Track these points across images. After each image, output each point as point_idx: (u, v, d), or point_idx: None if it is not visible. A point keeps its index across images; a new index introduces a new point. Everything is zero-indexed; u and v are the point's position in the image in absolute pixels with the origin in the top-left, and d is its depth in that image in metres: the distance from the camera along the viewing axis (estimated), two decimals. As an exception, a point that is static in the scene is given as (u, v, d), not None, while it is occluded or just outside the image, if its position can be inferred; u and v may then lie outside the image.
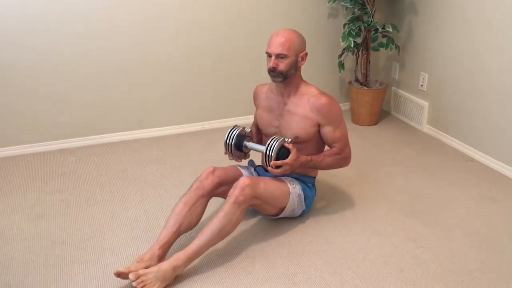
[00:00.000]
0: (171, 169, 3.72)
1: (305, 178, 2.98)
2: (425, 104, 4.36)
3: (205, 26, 4.23)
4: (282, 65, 2.73)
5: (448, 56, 4.04)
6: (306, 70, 3.12)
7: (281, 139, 2.73)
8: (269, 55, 2.76)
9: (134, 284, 2.32)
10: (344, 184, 3.48)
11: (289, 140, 2.75)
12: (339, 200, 3.28)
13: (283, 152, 2.71)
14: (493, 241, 2.84)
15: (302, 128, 2.83)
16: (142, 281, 2.34)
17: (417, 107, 4.46)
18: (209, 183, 2.76)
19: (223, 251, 2.74)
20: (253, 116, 3.17)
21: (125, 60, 4.07)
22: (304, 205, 2.97)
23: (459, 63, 3.93)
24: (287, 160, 2.68)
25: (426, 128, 4.40)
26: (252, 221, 3.03)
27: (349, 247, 2.78)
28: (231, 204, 2.57)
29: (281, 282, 2.51)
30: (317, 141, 2.91)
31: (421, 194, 3.35)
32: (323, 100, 2.79)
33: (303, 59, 2.81)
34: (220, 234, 2.56)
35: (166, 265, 2.43)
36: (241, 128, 2.89)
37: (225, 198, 2.73)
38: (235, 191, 2.59)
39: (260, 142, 3.12)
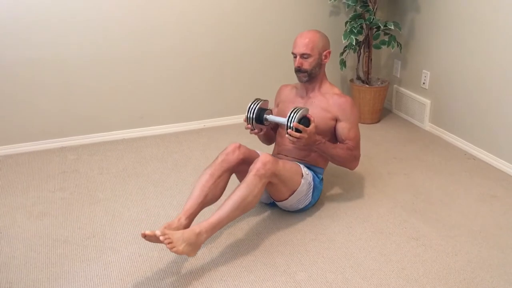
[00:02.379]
0: (172, 167, 3.72)
1: (316, 168, 3.06)
2: (427, 102, 4.36)
3: (208, 24, 4.24)
4: (306, 64, 2.95)
5: (450, 54, 4.04)
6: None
7: (305, 109, 2.81)
8: (295, 56, 2.98)
9: (161, 238, 2.32)
10: (345, 182, 3.49)
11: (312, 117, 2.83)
12: (341, 198, 3.29)
13: (304, 121, 2.77)
14: (495, 239, 2.85)
15: (321, 118, 2.96)
16: (168, 238, 2.34)
17: (419, 105, 4.46)
18: (235, 157, 2.82)
19: (225, 249, 2.75)
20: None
21: (126, 58, 4.08)
22: (310, 197, 3.01)
23: (461, 60, 3.93)
24: (307, 128, 2.74)
25: (428, 126, 4.40)
26: (254, 219, 3.04)
27: (350, 246, 2.79)
28: (252, 176, 2.62)
29: (283, 281, 2.51)
30: (331, 138, 3.02)
31: (423, 192, 3.36)
32: (346, 98, 3.03)
33: (327, 57, 3.02)
34: (242, 205, 2.58)
35: (189, 230, 2.45)
36: (262, 101, 2.94)
37: (241, 178, 2.84)
38: (256, 165, 2.66)
39: (273, 141, 3.26)
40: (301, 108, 2.79)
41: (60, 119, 4.04)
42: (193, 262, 2.63)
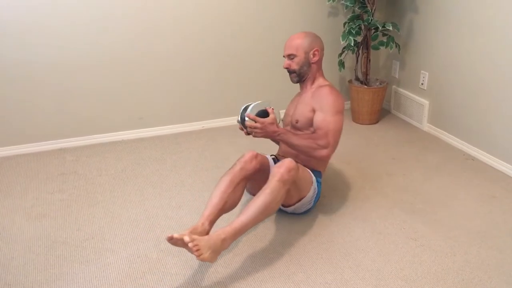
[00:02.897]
0: (171, 168, 3.73)
1: (316, 172, 3.05)
2: (426, 102, 4.37)
3: (207, 25, 4.24)
4: (293, 64, 3.01)
5: (448, 54, 4.05)
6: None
7: (265, 102, 2.88)
8: (284, 57, 3.05)
9: (190, 245, 2.30)
10: (344, 183, 3.50)
11: (272, 108, 2.87)
12: (339, 199, 3.29)
13: (262, 114, 2.82)
14: (494, 240, 2.85)
15: (301, 112, 3.01)
16: (197, 244, 2.32)
17: (418, 105, 4.47)
18: (252, 166, 2.80)
19: (224, 252, 2.73)
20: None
21: (125, 59, 4.08)
22: (313, 202, 3.03)
23: (459, 61, 3.94)
24: (260, 119, 2.78)
25: (426, 126, 4.41)
26: (253, 220, 3.04)
27: (349, 246, 2.80)
28: (276, 181, 2.60)
29: (281, 281, 2.52)
30: (313, 131, 2.98)
31: (422, 193, 3.36)
32: (324, 88, 3.00)
33: (315, 55, 3.03)
34: (265, 211, 2.56)
35: (215, 236, 2.42)
36: (254, 103, 2.88)
37: (252, 186, 2.95)
38: (281, 170, 2.63)
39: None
40: (260, 102, 2.84)
41: (59, 121, 4.04)
42: (190, 264, 2.63)
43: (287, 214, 3.07)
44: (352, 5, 4.28)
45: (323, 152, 2.86)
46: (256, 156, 2.83)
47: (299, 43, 2.98)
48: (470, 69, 3.83)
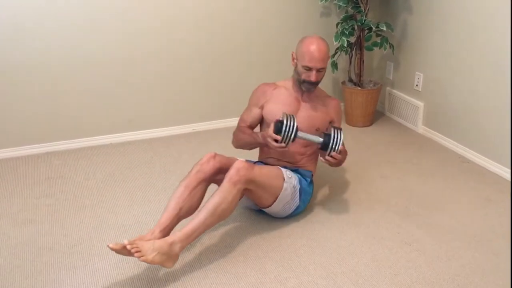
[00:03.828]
0: (160, 172, 3.72)
1: (303, 171, 3.07)
2: (420, 104, 4.38)
3: (196, 27, 4.24)
4: (320, 76, 2.99)
5: (443, 55, 4.06)
6: (298, 70, 3.14)
7: (340, 129, 2.88)
8: (308, 69, 2.93)
9: (128, 247, 2.33)
10: (337, 186, 3.50)
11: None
12: (333, 203, 3.30)
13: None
14: (489, 244, 2.87)
15: (322, 121, 3.07)
16: (136, 246, 2.35)
17: (412, 107, 4.49)
18: (210, 167, 2.81)
19: (214, 256, 2.75)
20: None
21: (113, 61, 4.07)
22: (298, 201, 3.01)
23: (455, 62, 3.95)
24: (342, 148, 2.86)
25: (421, 129, 4.43)
26: (244, 225, 3.05)
27: (342, 251, 2.80)
28: (226, 182, 2.64)
29: (273, 287, 2.52)
30: None
31: (417, 196, 3.37)
32: (337, 100, 3.22)
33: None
34: (216, 212, 2.59)
35: (161, 240, 2.46)
36: (294, 117, 2.84)
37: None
38: (230, 172, 2.67)
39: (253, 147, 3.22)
40: (340, 129, 2.86)
41: (45, 124, 4.03)
42: (181, 270, 2.63)
43: (278, 218, 3.07)
44: (345, 5, 4.29)
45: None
46: (214, 156, 2.85)
47: (327, 54, 2.94)
48: (466, 70, 3.85)
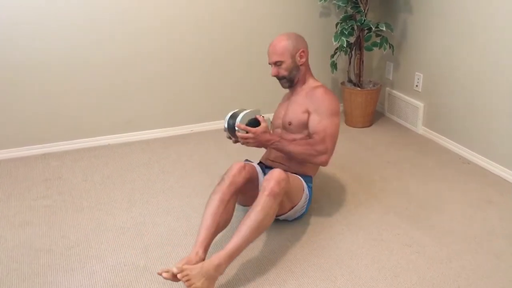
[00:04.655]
0: (158, 173, 3.72)
1: (305, 177, 3.04)
2: (420, 105, 4.38)
3: (194, 27, 4.24)
4: (282, 71, 2.98)
5: (443, 55, 4.06)
6: (297, 71, 3.14)
7: (255, 110, 2.86)
8: (271, 65, 3.01)
9: (179, 276, 2.31)
10: (337, 188, 3.50)
11: (263, 116, 2.86)
12: (332, 205, 3.30)
13: (253, 122, 2.81)
14: (490, 246, 2.86)
15: (294, 113, 2.99)
16: (187, 275, 2.33)
17: (412, 108, 4.49)
18: (241, 178, 2.75)
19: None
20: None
21: (111, 61, 4.08)
22: (305, 207, 3.03)
23: (455, 62, 3.95)
24: (252, 128, 2.76)
25: (421, 129, 4.43)
26: (243, 226, 3.04)
27: (342, 253, 2.80)
28: (266, 196, 2.57)
29: (273, 290, 2.53)
30: (307, 134, 2.99)
31: (417, 198, 3.37)
32: (318, 89, 3.01)
33: (302, 56, 3.01)
34: (259, 229, 2.55)
35: (208, 263, 2.42)
36: (236, 110, 2.88)
37: (243, 197, 2.89)
38: (270, 184, 2.60)
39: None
40: (250, 110, 2.83)
41: (43, 125, 4.03)
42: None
43: (278, 220, 3.07)
44: (344, 5, 4.29)
45: (322, 158, 2.88)
46: (244, 167, 2.78)
47: (284, 47, 2.95)
48: (466, 71, 3.85)
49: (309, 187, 3.04)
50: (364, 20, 4.25)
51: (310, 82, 3.08)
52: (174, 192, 3.45)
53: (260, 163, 3.12)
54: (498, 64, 3.56)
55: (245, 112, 2.80)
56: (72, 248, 2.85)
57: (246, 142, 2.79)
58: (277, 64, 2.97)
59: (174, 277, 2.34)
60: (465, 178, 3.65)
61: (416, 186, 3.53)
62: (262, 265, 2.70)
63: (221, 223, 2.66)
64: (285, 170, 2.84)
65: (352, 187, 3.51)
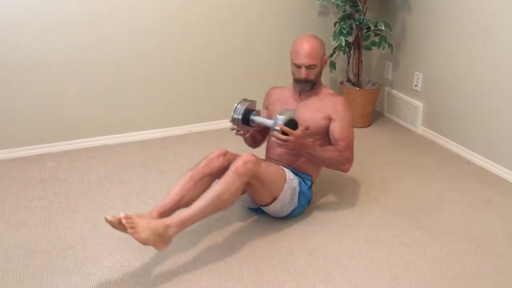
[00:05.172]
0: (156, 174, 3.72)
1: (304, 175, 3.07)
2: (420, 104, 4.38)
3: (192, 26, 4.24)
4: (312, 75, 2.98)
5: (443, 55, 4.06)
6: (295, 70, 3.14)
7: (292, 111, 2.84)
8: (298, 66, 2.96)
9: (123, 221, 2.35)
10: (336, 188, 3.50)
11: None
12: (331, 205, 3.30)
13: (291, 124, 2.78)
14: (490, 246, 2.86)
15: (313, 119, 3.00)
16: (132, 222, 2.37)
17: (411, 108, 4.48)
18: (218, 163, 2.85)
19: (210, 258, 2.74)
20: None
21: (108, 61, 4.07)
22: (296, 202, 3.01)
23: (454, 62, 3.95)
24: (294, 131, 2.76)
25: (420, 129, 4.42)
26: (240, 226, 3.04)
27: (341, 254, 2.80)
28: (231, 173, 2.65)
29: (271, 291, 2.52)
30: (324, 139, 3.05)
31: (416, 198, 3.37)
32: (339, 97, 3.12)
33: (325, 63, 3.08)
34: (217, 201, 2.60)
35: (159, 221, 2.48)
36: (249, 102, 2.94)
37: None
38: (237, 163, 2.68)
39: (259, 144, 3.28)
40: (288, 110, 2.82)
41: (39, 125, 4.02)
42: (176, 272, 2.62)
43: (276, 219, 3.07)
44: (343, 4, 4.29)
45: (348, 165, 3.04)
46: (225, 154, 2.88)
47: (317, 51, 2.95)
48: (466, 70, 3.85)
49: (307, 185, 3.05)
50: (363, 19, 4.25)
51: (322, 88, 3.13)
52: (171, 192, 3.44)
53: None
54: (498, 63, 3.56)
55: (286, 111, 2.80)
56: (68, 249, 2.85)
57: (284, 144, 2.79)
58: (310, 67, 2.94)
59: (120, 224, 2.37)
60: (465, 178, 3.65)
61: (415, 186, 3.53)
62: (260, 266, 2.70)
63: (186, 198, 2.73)
64: (286, 167, 2.98)
65: (351, 187, 3.51)
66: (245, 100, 2.94)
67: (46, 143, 4.07)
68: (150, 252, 2.78)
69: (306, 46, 2.93)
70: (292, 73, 3.03)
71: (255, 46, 4.48)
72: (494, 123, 3.66)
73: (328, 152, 2.96)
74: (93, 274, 2.63)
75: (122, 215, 2.37)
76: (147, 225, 2.41)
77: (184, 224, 2.54)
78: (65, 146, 4.12)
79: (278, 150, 3.04)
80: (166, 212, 2.66)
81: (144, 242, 2.40)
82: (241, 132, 2.98)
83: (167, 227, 2.47)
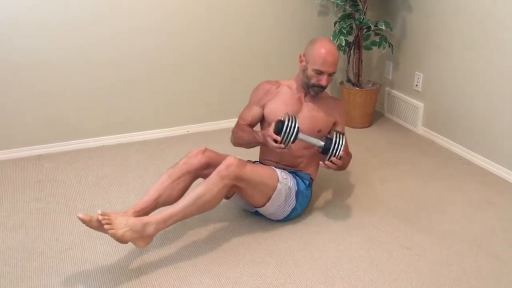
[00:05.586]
0: (154, 175, 3.70)
1: (302, 174, 3.07)
2: (420, 105, 4.38)
3: (190, 26, 4.23)
4: (330, 81, 2.99)
5: (444, 54, 4.06)
6: (295, 69, 3.13)
7: (294, 116, 2.81)
8: (319, 73, 2.92)
9: (99, 217, 2.37)
10: (336, 189, 3.50)
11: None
12: (331, 206, 3.29)
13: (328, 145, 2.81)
14: (491, 247, 2.86)
15: (325, 122, 3.07)
16: (109, 219, 2.39)
17: (412, 108, 4.48)
18: (196, 161, 2.87)
19: (209, 260, 2.74)
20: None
21: (105, 62, 4.06)
22: (294, 202, 3.00)
23: (455, 62, 3.95)
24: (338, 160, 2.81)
25: (421, 130, 4.42)
26: (239, 228, 3.04)
27: (341, 256, 2.79)
28: (213, 175, 2.68)
29: (270, 293, 2.52)
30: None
31: (417, 199, 3.37)
32: (340, 101, 3.26)
33: None
34: (198, 202, 2.62)
35: (137, 218, 2.51)
36: (296, 118, 2.82)
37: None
38: (220, 166, 2.70)
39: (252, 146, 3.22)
40: (343, 134, 2.84)
41: (37, 126, 4.01)
42: (175, 275, 2.62)
43: (275, 221, 3.07)
44: (343, 3, 4.28)
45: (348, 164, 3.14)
46: (204, 151, 2.90)
47: (338, 58, 2.96)
48: (467, 70, 3.84)
49: (305, 184, 3.05)
50: (363, 19, 4.25)
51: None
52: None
53: (259, 163, 3.15)
54: (498, 64, 3.56)
55: (343, 137, 2.82)
56: (66, 251, 2.84)
57: (334, 167, 2.83)
58: (331, 74, 2.94)
59: (95, 222, 2.41)
60: (465, 178, 3.65)
61: (415, 187, 3.52)
62: (259, 268, 2.69)
63: (163, 196, 2.75)
64: (277, 167, 3.00)
65: (351, 189, 3.50)
66: (292, 116, 2.80)
67: (44, 144, 4.06)
68: (148, 255, 2.78)
69: (332, 54, 2.91)
70: (308, 77, 2.96)
71: (254, 46, 4.47)
72: (494, 123, 3.66)
73: (348, 157, 3.04)
74: (91, 276, 2.63)
75: (99, 211, 2.38)
76: (125, 222, 2.43)
77: (163, 222, 2.55)
78: (62, 147, 4.11)
79: (278, 154, 3.02)
80: (143, 211, 2.67)
81: (122, 239, 2.42)
82: (282, 146, 2.81)
83: (145, 224, 2.49)
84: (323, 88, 2.99)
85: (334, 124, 3.11)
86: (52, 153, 4.06)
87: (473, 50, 3.76)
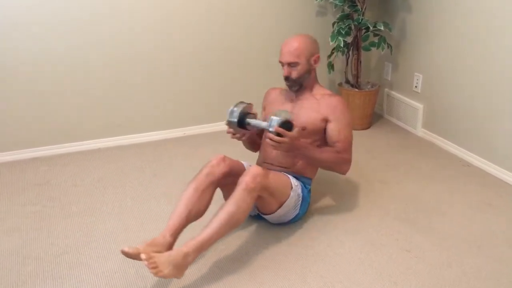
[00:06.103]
0: (150, 178, 3.71)
1: (304, 178, 3.06)
2: (420, 106, 4.38)
3: (187, 28, 4.23)
4: (295, 73, 2.96)
5: (443, 55, 4.06)
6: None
7: (287, 112, 2.81)
8: (282, 64, 2.98)
9: (145, 263, 2.32)
10: (335, 191, 3.49)
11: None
12: (330, 209, 3.29)
13: (286, 125, 2.75)
14: (491, 249, 2.86)
15: (310, 120, 2.99)
16: (154, 262, 2.34)
17: (411, 109, 4.48)
18: (220, 170, 2.80)
19: (207, 264, 2.73)
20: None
21: (102, 63, 4.06)
22: (299, 209, 3.01)
23: (455, 63, 3.95)
24: (289, 133, 2.73)
25: (420, 131, 4.42)
26: (238, 233, 3.02)
27: (340, 259, 2.79)
28: (241, 191, 2.61)
29: (268, 297, 2.51)
30: (321, 140, 3.03)
31: (416, 201, 3.36)
32: (336, 97, 3.08)
33: (316, 62, 3.02)
34: (230, 222, 2.57)
35: (176, 251, 2.45)
36: (245, 104, 2.90)
37: (226, 191, 2.90)
38: (245, 178, 2.63)
39: (258, 147, 3.24)
40: (283, 111, 2.80)
41: (32, 128, 4.01)
42: (173, 280, 2.61)
43: (274, 225, 3.06)
44: (341, 4, 4.28)
45: (346, 166, 3.04)
46: (224, 159, 2.83)
47: (301, 49, 2.92)
48: (466, 71, 3.84)
49: (307, 188, 3.05)
50: (362, 20, 4.25)
51: (318, 88, 3.10)
52: (166, 197, 3.43)
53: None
54: (499, 64, 3.56)
55: (281, 112, 2.78)
56: (61, 255, 2.83)
57: (278, 145, 2.76)
58: (291, 65, 2.94)
59: (137, 256, 2.36)
60: (465, 180, 3.65)
61: (415, 189, 3.52)
62: (258, 272, 2.69)
63: (193, 211, 2.68)
64: (275, 170, 2.95)
65: (350, 191, 3.50)
66: (241, 102, 2.91)
67: (39, 147, 4.06)
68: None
69: (289, 44, 2.94)
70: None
71: (252, 47, 4.47)
72: (494, 125, 3.66)
73: (325, 153, 2.95)
74: (87, 281, 2.62)
75: (143, 256, 2.32)
76: (167, 259, 2.38)
77: (201, 249, 2.51)
78: (58, 150, 4.11)
79: (273, 153, 3.03)
80: (178, 230, 2.61)
81: (168, 277, 2.39)
82: (237, 135, 2.94)
83: (185, 255, 2.44)
84: (289, 80, 2.98)
85: (326, 121, 3.00)
86: (47, 156, 4.06)
87: (473, 51, 3.76)
